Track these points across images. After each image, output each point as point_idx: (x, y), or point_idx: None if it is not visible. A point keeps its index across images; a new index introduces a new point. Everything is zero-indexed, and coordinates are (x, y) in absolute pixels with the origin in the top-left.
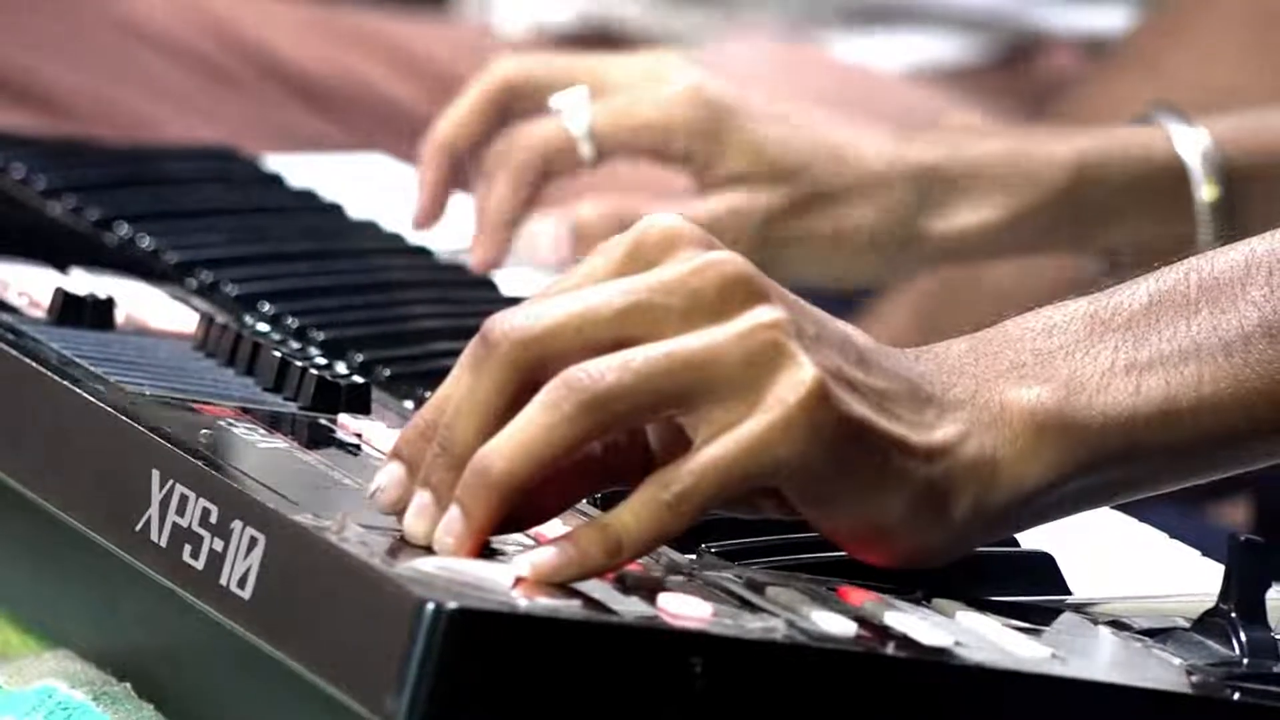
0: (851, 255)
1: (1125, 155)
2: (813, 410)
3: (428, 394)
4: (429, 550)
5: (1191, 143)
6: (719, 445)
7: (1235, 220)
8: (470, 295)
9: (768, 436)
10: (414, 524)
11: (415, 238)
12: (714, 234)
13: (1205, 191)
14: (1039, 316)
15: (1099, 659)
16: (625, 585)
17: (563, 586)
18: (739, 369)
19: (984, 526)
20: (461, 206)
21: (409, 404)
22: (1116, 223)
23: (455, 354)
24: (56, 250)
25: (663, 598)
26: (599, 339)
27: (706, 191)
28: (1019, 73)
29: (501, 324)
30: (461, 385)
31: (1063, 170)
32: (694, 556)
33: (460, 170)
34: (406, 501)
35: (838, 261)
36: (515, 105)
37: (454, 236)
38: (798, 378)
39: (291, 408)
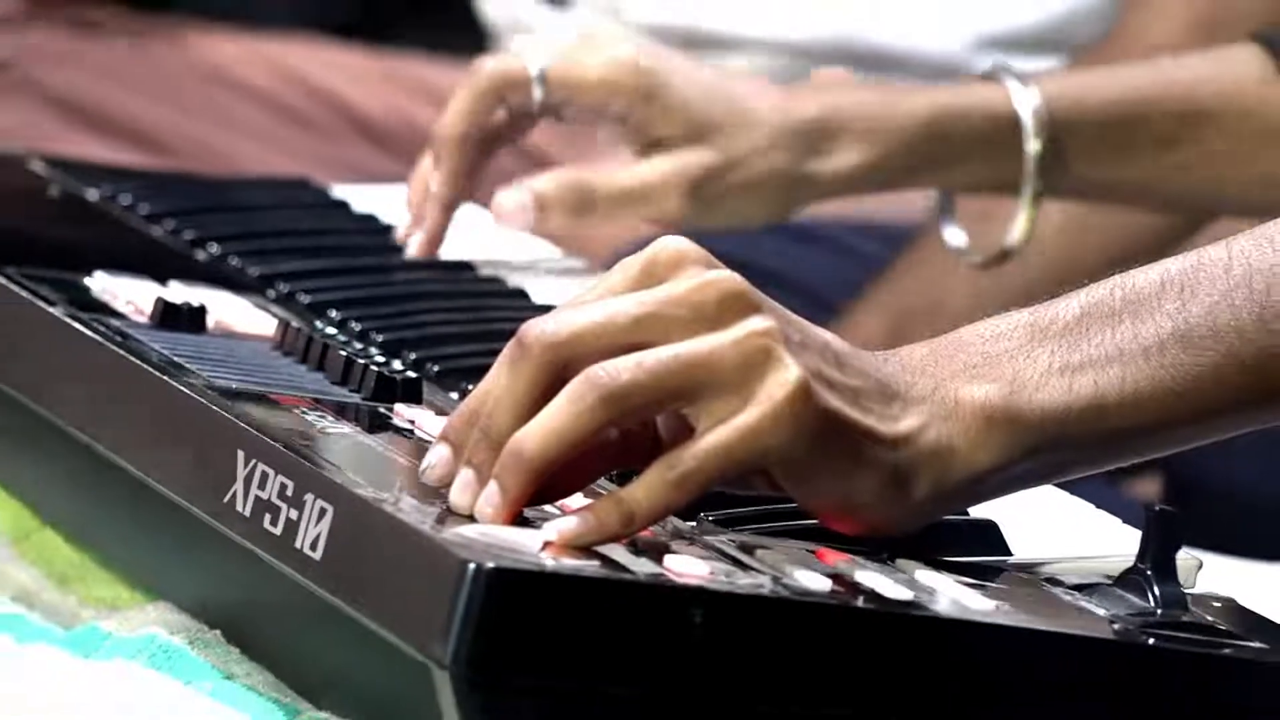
0: (759, 200)
1: (970, 109)
2: (796, 405)
3: (470, 387)
4: (471, 519)
5: (1025, 100)
6: (717, 433)
7: (1057, 170)
8: (505, 304)
9: (759, 427)
10: (458, 497)
11: (462, 254)
12: (654, 194)
13: (1032, 144)
14: (988, 324)
15: (1036, 610)
16: (636, 548)
17: (583, 549)
18: (735, 369)
19: (941, 503)
20: (477, 217)
21: (454, 395)
22: (960, 166)
23: (493, 353)
24: (157, 266)
25: (668, 559)
26: (616, 343)
27: (641, 152)
28: None
29: (534, 329)
30: (500, 380)
31: (919, 120)
32: (694, 524)
33: (474, 158)
34: (451, 478)
35: (749, 207)
36: (506, 94)
37: (489, 248)
38: (784, 377)
39: (355, 398)
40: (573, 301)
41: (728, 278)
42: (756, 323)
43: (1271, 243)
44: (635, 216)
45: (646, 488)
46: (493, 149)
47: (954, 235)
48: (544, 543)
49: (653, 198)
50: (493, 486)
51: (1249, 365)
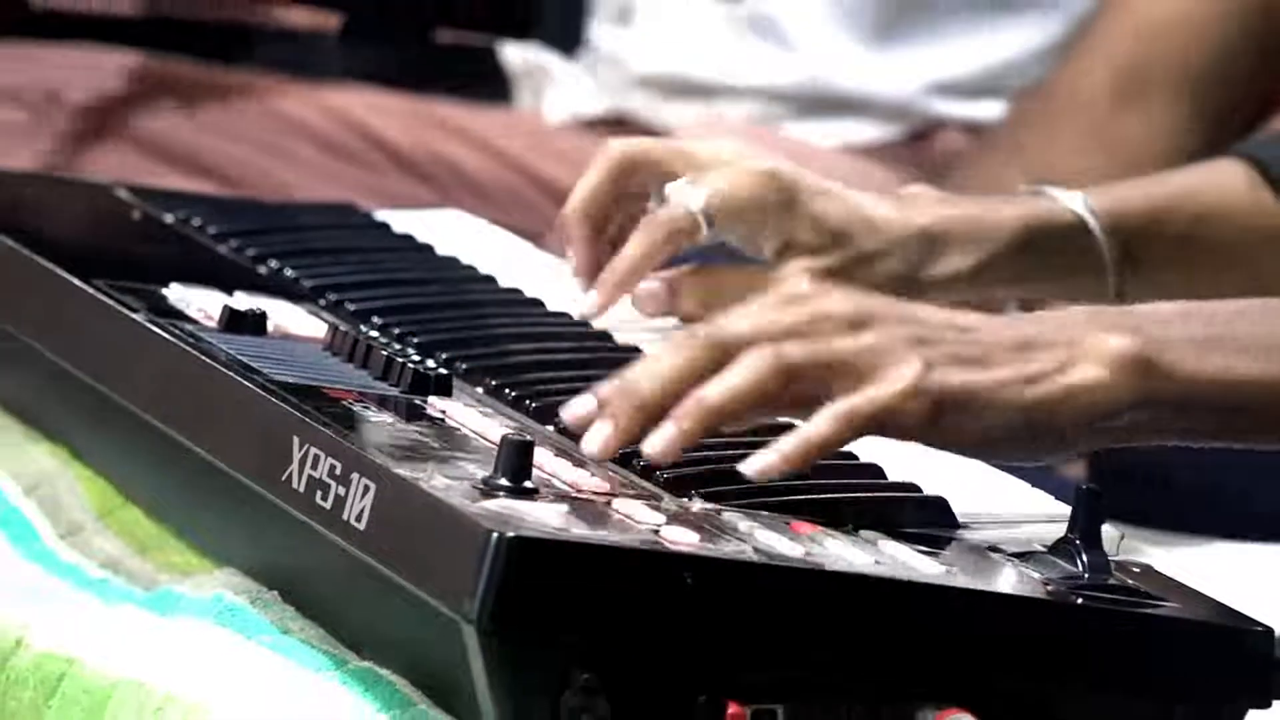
0: None
1: (1050, 218)
2: (915, 384)
3: (494, 382)
4: (500, 493)
5: (1078, 203)
6: (857, 398)
7: (1128, 265)
8: (523, 311)
9: (887, 400)
10: (590, 443)
11: (487, 269)
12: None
13: (1101, 239)
14: (1141, 305)
15: (980, 574)
16: (639, 521)
17: (592, 524)
18: (869, 357)
19: (1081, 437)
20: (533, 258)
21: (480, 390)
22: (1050, 269)
23: (516, 354)
24: (224, 278)
25: (665, 530)
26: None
27: (777, 255)
28: (920, 149)
29: (709, 325)
30: (663, 359)
31: (1011, 229)
32: (686, 500)
33: (599, 231)
34: (586, 424)
35: None
36: (630, 179)
37: (509, 264)
38: (903, 371)
39: (394, 392)
40: (733, 313)
41: (857, 297)
42: (884, 325)
43: None
44: None
45: (817, 426)
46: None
47: None
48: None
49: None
50: (672, 428)
51: None
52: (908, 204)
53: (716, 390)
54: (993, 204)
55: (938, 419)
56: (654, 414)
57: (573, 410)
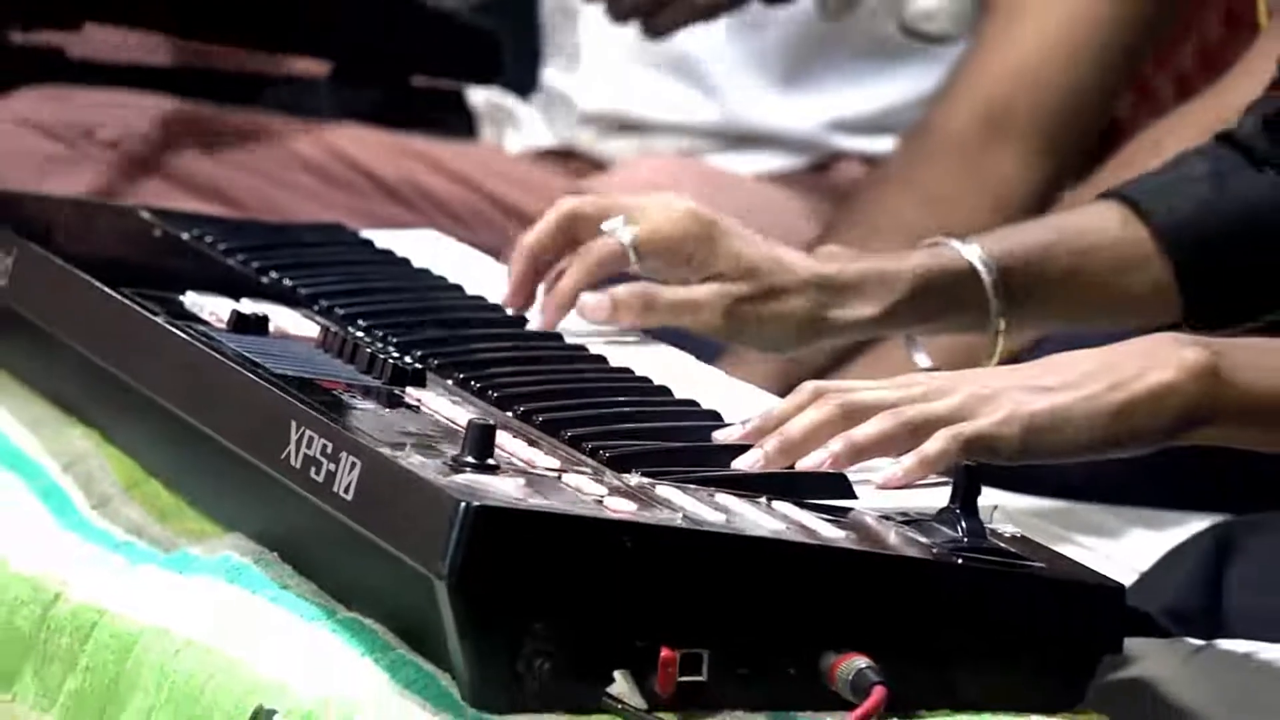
0: (784, 333)
1: (943, 267)
2: (1008, 413)
3: (461, 375)
4: (485, 470)
5: (972, 253)
6: (964, 424)
7: (1012, 303)
8: (487, 315)
9: (986, 429)
10: (743, 462)
11: (456, 279)
12: (701, 309)
13: (988, 278)
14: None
15: (876, 539)
16: (585, 493)
17: (545, 495)
18: (972, 404)
19: (1159, 433)
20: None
21: (450, 382)
22: (942, 312)
23: (480, 351)
24: (232, 287)
25: (607, 500)
26: (884, 407)
27: (699, 283)
28: (822, 177)
29: (836, 394)
30: (809, 411)
31: (909, 280)
32: (626, 475)
33: (537, 272)
34: (742, 442)
35: (774, 337)
36: (575, 228)
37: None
38: (999, 403)
39: (377, 383)
40: (861, 386)
41: (947, 375)
42: (961, 394)
43: None
44: (684, 324)
45: (936, 446)
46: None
47: (922, 359)
48: (520, 487)
49: (700, 311)
50: (825, 455)
51: None
52: (820, 255)
53: (863, 434)
54: (895, 257)
55: (1029, 438)
56: (797, 452)
57: (733, 433)
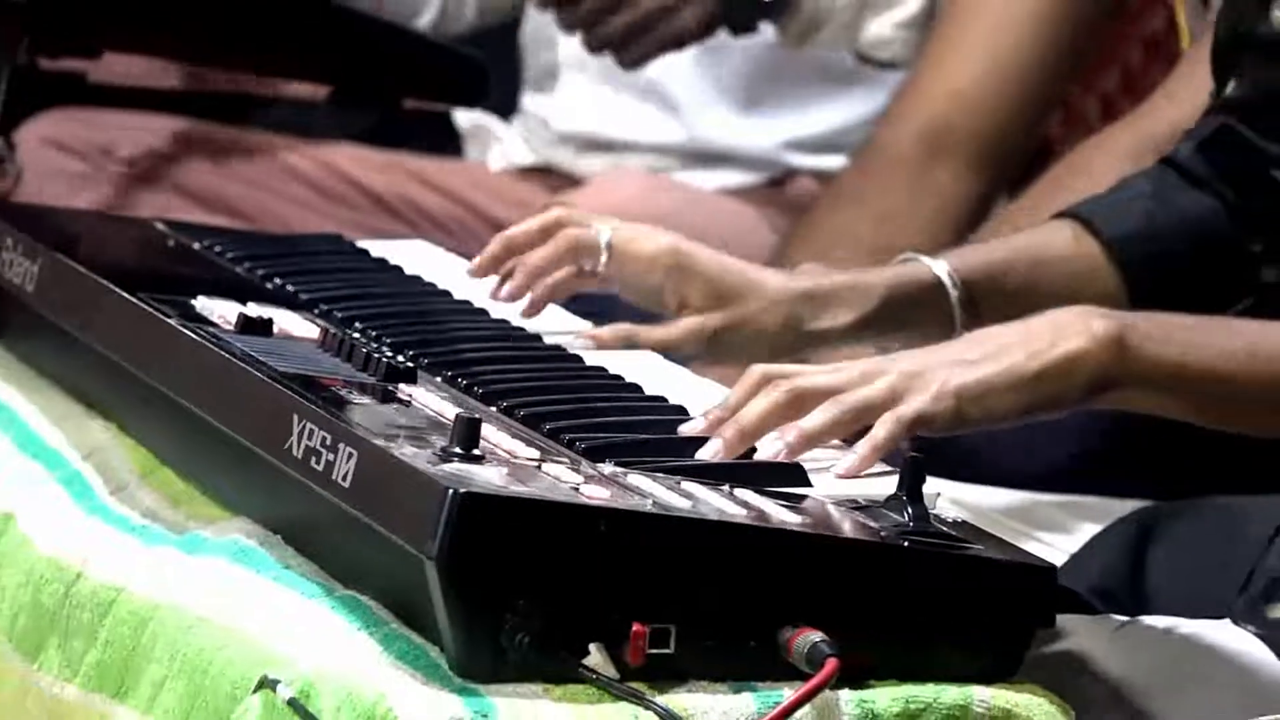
0: (761, 349)
1: (910, 279)
2: (939, 389)
3: (449, 373)
4: (467, 460)
5: (940, 267)
6: (902, 408)
7: (971, 310)
8: (472, 318)
9: (922, 407)
10: (706, 452)
11: (444, 286)
12: (682, 346)
13: (954, 293)
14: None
15: (830, 523)
16: (563, 481)
17: (527, 483)
18: (904, 383)
19: (1076, 397)
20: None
21: (438, 379)
22: (913, 319)
23: (466, 351)
24: (239, 292)
25: (583, 487)
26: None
27: (676, 313)
28: (778, 193)
29: (785, 379)
30: (759, 399)
31: (880, 291)
32: (600, 464)
33: (512, 252)
34: (702, 434)
35: (753, 353)
36: (580, 256)
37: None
38: (930, 382)
39: (372, 380)
40: (804, 370)
41: (879, 358)
42: (908, 365)
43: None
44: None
45: (882, 431)
46: (562, 292)
47: None
48: (504, 475)
49: (680, 348)
50: (781, 445)
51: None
52: (795, 273)
53: (813, 425)
54: (866, 271)
55: (961, 410)
56: (751, 437)
57: (697, 425)
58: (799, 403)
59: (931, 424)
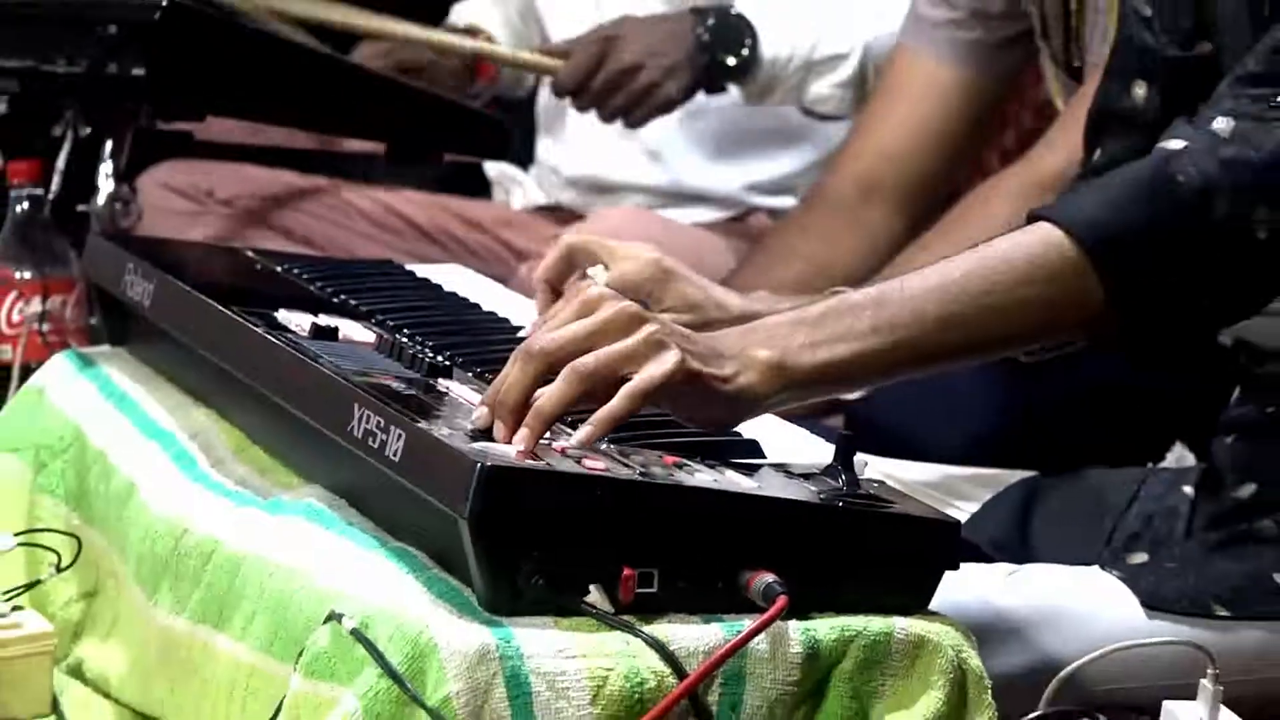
0: None
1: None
2: (674, 369)
3: (480, 369)
4: (478, 439)
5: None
6: (636, 382)
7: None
8: (498, 326)
9: (656, 379)
10: (496, 435)
11: (475, 300)
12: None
13: None
14: (774, 316)
15: (780, 487)
16: (568, 455)
17: (540, 457)
18: (643, 355)
19: (747, 413)
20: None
21: (470, 375)
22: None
23: (494, 352)
24: (312, 305)
25: (585, 460)
26: (580, 350)
27: (657, 311)
28: (741, 226)
29: (536, 344)
30: (514, 373)
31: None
32: (599, 442)
33: (554, 290)
34: (489, 424)
35: None
36: (573, 259)
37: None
38: (668, 355)
39: (417, 376)
40: (546, 326)
41: (632, 306)
42: (651, 329)
43: (923, 276)
44: None
45: (610, 409)
46: None
47: None
48: (519, 451)
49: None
50: (524, 430)
51: (919, 348)
52: (751, 298)
53: (549, 402)
54: (803, 300)
55: (689, 395)
56: (520, 414)
57: (476, 418)
58: (546, 368)
59: (666, 398)
